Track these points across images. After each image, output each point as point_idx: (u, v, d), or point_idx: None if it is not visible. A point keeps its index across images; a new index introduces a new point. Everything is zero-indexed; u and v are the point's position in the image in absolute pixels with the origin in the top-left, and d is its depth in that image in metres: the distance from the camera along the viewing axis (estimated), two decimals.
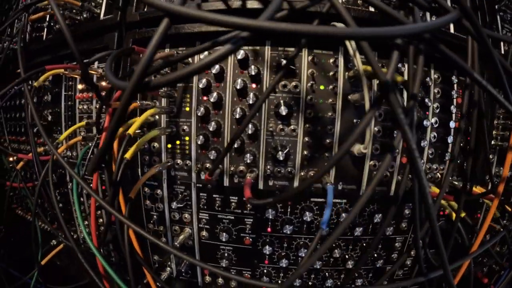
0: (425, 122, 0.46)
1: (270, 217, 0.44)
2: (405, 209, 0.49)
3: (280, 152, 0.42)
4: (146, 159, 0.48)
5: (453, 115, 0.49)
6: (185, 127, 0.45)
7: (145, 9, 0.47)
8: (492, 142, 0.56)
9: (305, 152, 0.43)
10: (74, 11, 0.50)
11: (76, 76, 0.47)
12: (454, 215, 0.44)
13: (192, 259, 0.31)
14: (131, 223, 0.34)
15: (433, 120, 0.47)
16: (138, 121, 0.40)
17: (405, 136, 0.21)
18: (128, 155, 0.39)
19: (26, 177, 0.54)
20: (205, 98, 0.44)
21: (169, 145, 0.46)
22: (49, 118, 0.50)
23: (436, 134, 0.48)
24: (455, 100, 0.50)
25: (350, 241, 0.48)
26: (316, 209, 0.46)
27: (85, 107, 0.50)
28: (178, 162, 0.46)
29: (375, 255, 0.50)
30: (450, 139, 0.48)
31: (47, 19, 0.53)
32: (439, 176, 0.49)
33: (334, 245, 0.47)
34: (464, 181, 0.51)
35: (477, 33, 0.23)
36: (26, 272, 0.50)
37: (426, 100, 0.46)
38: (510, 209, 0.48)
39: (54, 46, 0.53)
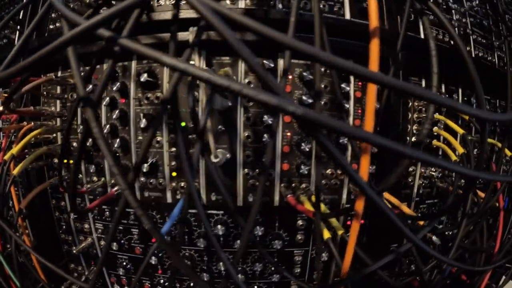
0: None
1: (147, 227, 0.48)
2: (297, 220, 0.48)
3: (145, 164, 0.45)
4: (50, 174, 0.55)
5: (351, 111, 0.47)
6: (74, 144, 0.51)
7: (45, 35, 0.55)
8: (413, 139, 0.51)
9: (173, 163, 0.46)
10: None
11: None
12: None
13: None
14: (10, 231, 0.42)
15: None
16: (22, 142, 0.47)
17: None
18: (15, 171, 0.46)
19: None
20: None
21: (65, 161, 0.53)
22: None
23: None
24: (351, 94, 0.47)
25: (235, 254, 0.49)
26: (193, 220, 0.48)
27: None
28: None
29: (272, 269, 0.49)
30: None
31: None
32: (337, 183, 0.47)
33: (214, 257, 0.48)
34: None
35: None
36: None
37: (304, 97, 0.44)
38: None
39: None
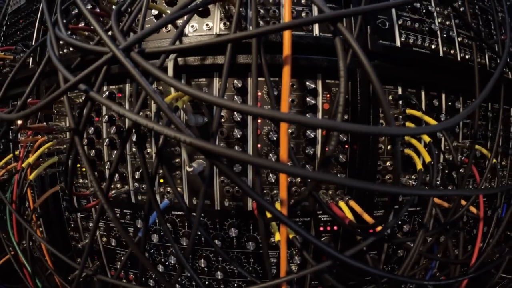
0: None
1: (139, 226, 0.57)
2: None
3: (137, 172, 0.54)
4: (61, 179, 0.67)
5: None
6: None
7: None
8: (388, 148, 0.55)
9: (160, 171, 0.55)
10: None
11: None
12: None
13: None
14: (21, 219, 0.53)
15: (290, 130, 0.52)
16: (37, 153, 0.59)
17: None
18: (31, 177, 0.58)
19: None
20: (89, 130, 0.60)
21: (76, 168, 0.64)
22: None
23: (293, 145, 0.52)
24: (320, 104, 0.52)
25: (214, 253, 0.56)
26: (178, 221, 0.56)
27: (22, 138, 0.72)
28: (80, 181, 0.64)
29: (250, 268, 0.56)
30: (314, 148, 0.51)
31: None
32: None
33: (197, 255, 0.56)
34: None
35: None
36: None
37: None
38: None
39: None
